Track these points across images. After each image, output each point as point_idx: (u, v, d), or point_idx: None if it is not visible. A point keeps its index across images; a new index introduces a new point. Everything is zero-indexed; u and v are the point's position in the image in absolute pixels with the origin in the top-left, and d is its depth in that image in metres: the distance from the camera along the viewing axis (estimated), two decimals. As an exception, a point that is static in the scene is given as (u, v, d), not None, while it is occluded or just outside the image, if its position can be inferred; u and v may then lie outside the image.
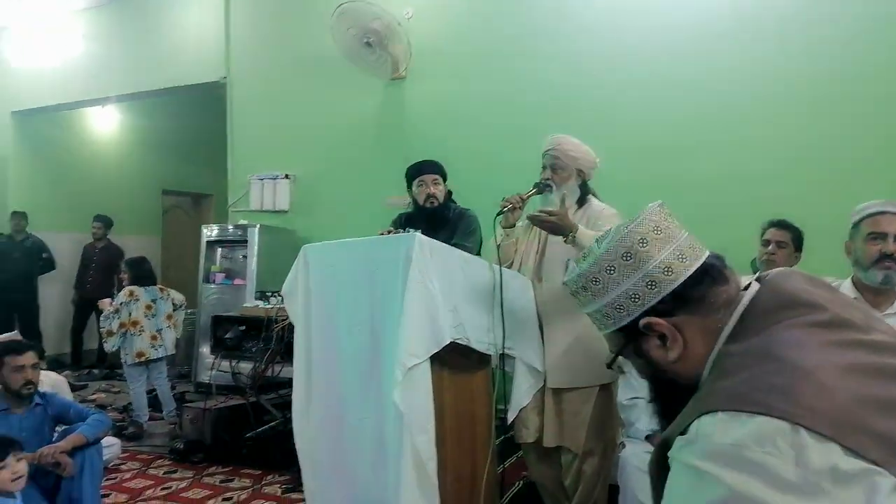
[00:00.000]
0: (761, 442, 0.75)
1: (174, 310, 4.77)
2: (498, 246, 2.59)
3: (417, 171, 3.17)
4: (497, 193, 2.64)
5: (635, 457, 2.24)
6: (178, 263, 8.65)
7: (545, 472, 2.70)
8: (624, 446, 2.37)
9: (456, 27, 4.97)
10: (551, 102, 4.48)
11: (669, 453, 0.86)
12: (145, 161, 8.20)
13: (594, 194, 2.69)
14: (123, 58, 6.48)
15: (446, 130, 4.87)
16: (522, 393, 2.54)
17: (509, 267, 2.63)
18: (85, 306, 6.74)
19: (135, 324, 4.50)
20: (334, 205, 5.48)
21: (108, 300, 4.58)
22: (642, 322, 0.98)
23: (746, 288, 0.99)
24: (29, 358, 2.96)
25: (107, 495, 3.19)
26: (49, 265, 6.78)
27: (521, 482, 3.25)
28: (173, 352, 4.83)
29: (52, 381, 3.54)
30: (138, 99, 6.99)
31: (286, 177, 5.69)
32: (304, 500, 2.61)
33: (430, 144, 4.58)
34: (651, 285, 0.98)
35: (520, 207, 2.59)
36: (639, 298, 0.99)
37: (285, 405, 3.82)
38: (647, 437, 2.31)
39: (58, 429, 3.03)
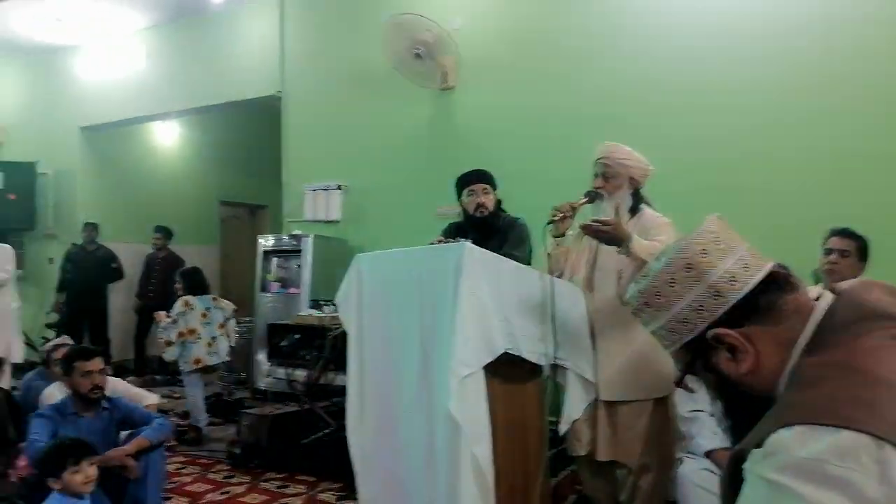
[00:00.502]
0: (843, 457, 0.73)
1: (225, 319, 4.91)
2: (548, 255, 2.57)
3: (467, 180, 3.18)
4: (547, 202, 2.62)
5: (694, 474, 2.17)
6: (235, 272, 8.90)
7: (599, 487, 2.66)
8: (682, 462, 2.31)
9: (504, 38, 4.97)
10: (602, 111, 4.42)
11: (744, 466, 0.84)
12: (204, 173, 8.49)
13: (648, 203, 2.64)
14: (183, 74, 6.75)
15: (495, 139, 4.88)
16: (575, 405, 2.51)
17: (559, 277, 2.60)
18: (147, 314, 7.01)
19: (192, 332, 4.64)
20: (385, 215, 5.55)
21: (163, 312, 4.74)
22: (710, 334, 0.96)
23: (818, 299, 0.97)
24: (97, 363, 3.10)
25: (168, 499, 3.29)
26: (118, 274, 7.08)
27: (575, 496, 3.20)
28: (227, 359, 4.96)
29: (112, 387, 3.69)
30: (198, 113, 7.26)
31: (339, 187, 5.79)
32: (357, 508, 2.63)
33: (479, 154, 4.59)
34: (716, 296, 0.96)
35: (570, 216, 2.56)
36: (704, 310, 0.97)
37: (339, 413, 3.87)
38: (708, 454, 2.24)
39: (122, 433, 3.16)
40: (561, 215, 2.53)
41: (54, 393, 3.51)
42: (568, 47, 4.66)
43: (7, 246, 5.65)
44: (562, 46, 4.68)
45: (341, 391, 4.00)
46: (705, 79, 4.15)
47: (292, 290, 5.66)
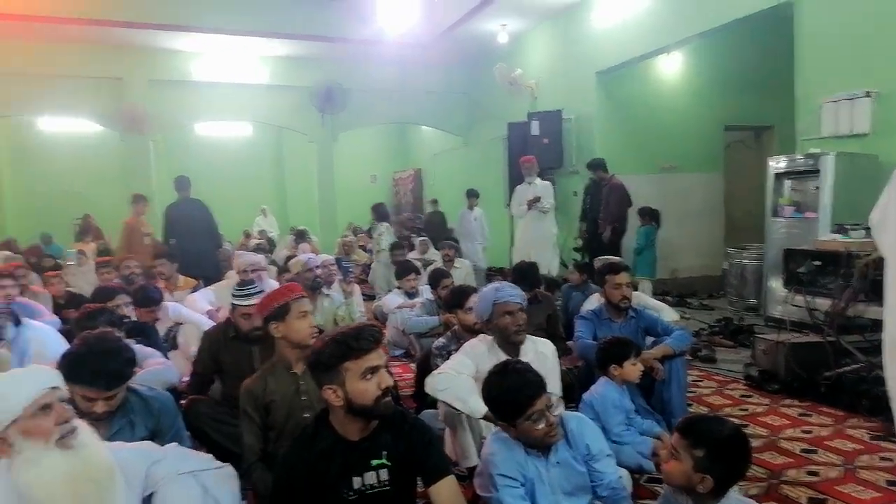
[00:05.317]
0: None
1: None
2: None
3: None
4: None
5: None
6: (739, 198, 8.70)
7: None
8: None
9: None
10: None
11: None
12: (708, 100, 8.41)
13: None
14: (684, 2, 6.74)
15: None
16: None
17: None
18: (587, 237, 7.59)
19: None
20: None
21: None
22: None
23: None
24: (623, 278, 3.58)
25: (689, 405, 3.56)
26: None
27: None
28: None
29: (637, 300, 4.11)
30: (701, 39, 7.17)
31: (867, 95, 4.97)
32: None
33: None
34: None
35: None
36: None
37: (870, 349, 3.49)
38: None
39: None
40: None
41: (590, 301, 4.20)
42: None
43: (548, 182, 6.95)
44: None
45: (872, 325, 3.58)
46: None
47: (809, 214, 5.22)
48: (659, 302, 4.21)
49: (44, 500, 1.56)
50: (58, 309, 4.81)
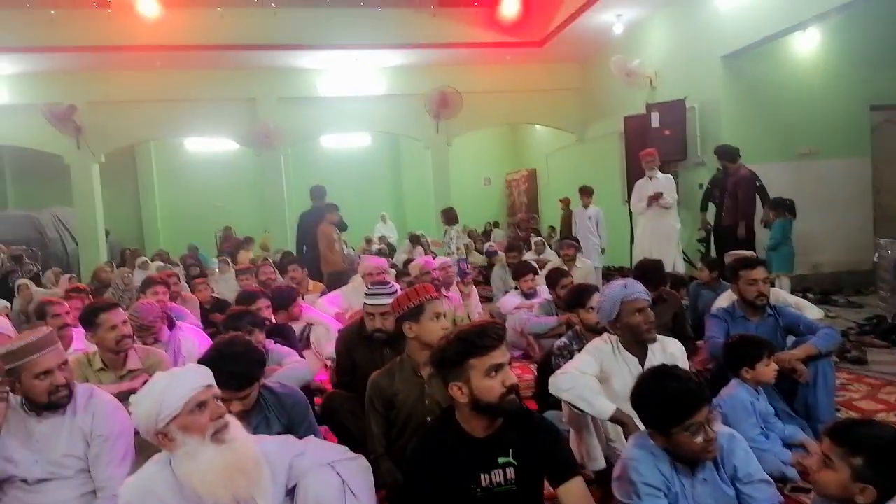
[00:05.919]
0: None
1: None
2: None
3: None
4: None
5: None
6: (889, 184, 7.90)
7: None
8: None
9: None
10: None
11: None
12: (849, 78, 7.66)
13: None
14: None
15: None
16: None
17: None
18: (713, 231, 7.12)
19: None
20: None
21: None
22: None
23: None
24: (759, 273, 3.34)
25: (838, 410, 3.27)
26: (764, 194, 7.16)
27: None
28: None
29: (775, 297, 3.84)
30: (840, 13, 6.55)
31: None
32: None
33: None
34: None
35: None
36: None
37: None
38: None
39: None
40: None
41: (722, 300, 3.97)
42: None
43: (670, 176, 6.65)
44: None
45: None
46: None
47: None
48: (800, 299, 3.90)
49: (201, 490, 1.68)
50: (205, 313, 5.26)
